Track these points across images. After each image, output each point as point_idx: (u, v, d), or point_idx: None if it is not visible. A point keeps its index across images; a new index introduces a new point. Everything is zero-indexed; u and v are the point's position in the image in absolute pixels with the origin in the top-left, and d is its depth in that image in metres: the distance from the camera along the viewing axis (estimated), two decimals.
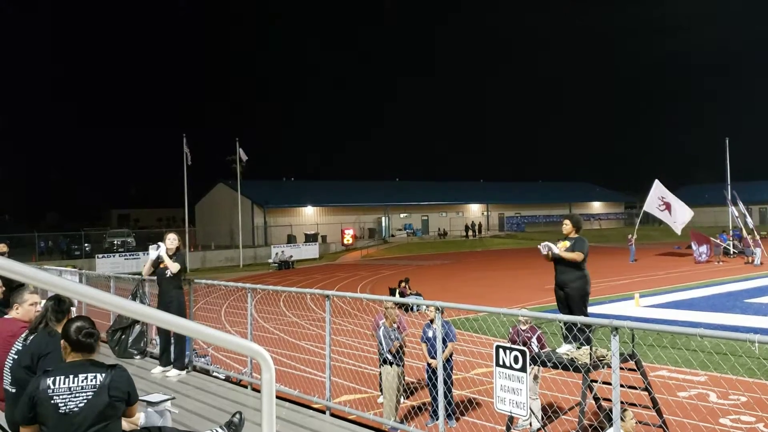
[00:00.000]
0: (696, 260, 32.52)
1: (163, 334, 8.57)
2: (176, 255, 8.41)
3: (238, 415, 5.14)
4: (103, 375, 3.54)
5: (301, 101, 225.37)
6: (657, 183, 34.35)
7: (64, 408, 3.43)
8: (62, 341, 3.65)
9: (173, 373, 8.27)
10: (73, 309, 4.48)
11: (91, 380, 3.50)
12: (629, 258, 34.45)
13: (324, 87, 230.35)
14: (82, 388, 3.47)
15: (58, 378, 3.50)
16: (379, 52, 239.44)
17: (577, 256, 7.02)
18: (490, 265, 37.00)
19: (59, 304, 4.54)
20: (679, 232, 34.75)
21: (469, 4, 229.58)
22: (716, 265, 31.39)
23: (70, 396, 3.45)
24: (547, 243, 7.23)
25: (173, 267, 8.30)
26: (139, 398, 5.07)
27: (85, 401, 3.45)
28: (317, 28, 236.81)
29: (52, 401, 3.44)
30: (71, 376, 3.50)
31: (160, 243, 8.53)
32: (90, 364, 3.59)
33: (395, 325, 8.84)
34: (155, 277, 8.60)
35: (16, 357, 4.21)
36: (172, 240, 8.44)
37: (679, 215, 34.14)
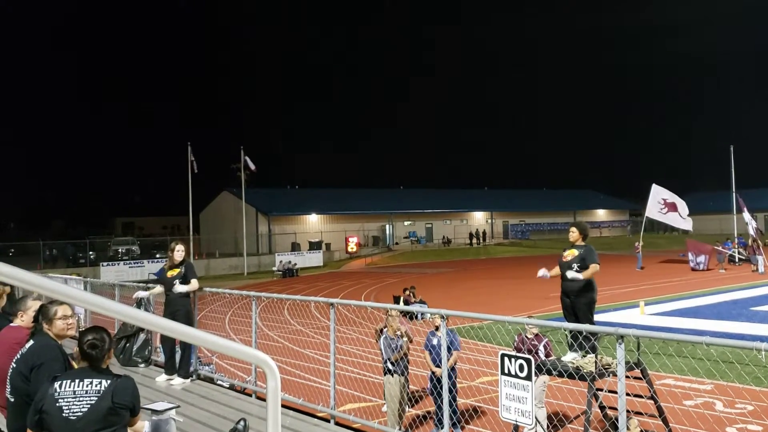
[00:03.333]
0: (691, 268, 32.35)
1: (168, 342, 8.57)
2: (183, 265, 8.42)
3: (242, 422, 5.12)
4: (108, 381, 3.56)
5: (305, 107, 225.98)
6: (655, 187, 33.94)
7: (68, 412, 3.46)
8: (75, 348, 3.69)
9: (177, 381, 8.27)
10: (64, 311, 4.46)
11: (96, 385, 3.53)
12: (636, 265, 34.28)
13: (328, 93, 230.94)
14: (86, 393, 3.50)
15: (64, 382, 3.54)
16: (381, 56, 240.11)
17: (594, 269, 6.99)
18: (494, 273, 36.93)
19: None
20: (691, 228, 34.38)
21: (468, 12, 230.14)
22: (719, 273, 31.25)
23: (74, 400, 3.48)
24: (570, 275, 7.10)
25: (192, 287, 8.32)
26: (144, 407, 5.07)
27: (88, 406, 3.47)
28: (320, 31, 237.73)
29: (57, 404, 3.47)
30: (77, 380, 3.54)
31: (163, 268, 8.59)
32: (97, 370, 3.62)
33: (398, 333, 8.81)
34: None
35: (14, 366, 4.21)
36: (180, 252, 8.46)
37: (684, 210, 33.84)
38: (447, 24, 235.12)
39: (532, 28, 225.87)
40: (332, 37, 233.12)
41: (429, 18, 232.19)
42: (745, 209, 33.88)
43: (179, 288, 8.24)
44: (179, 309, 8.22)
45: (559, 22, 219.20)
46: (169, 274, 8.38)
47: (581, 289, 7.06)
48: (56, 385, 3.52)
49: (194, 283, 8.35)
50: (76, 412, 3.46)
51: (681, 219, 33.76)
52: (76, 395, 3.49)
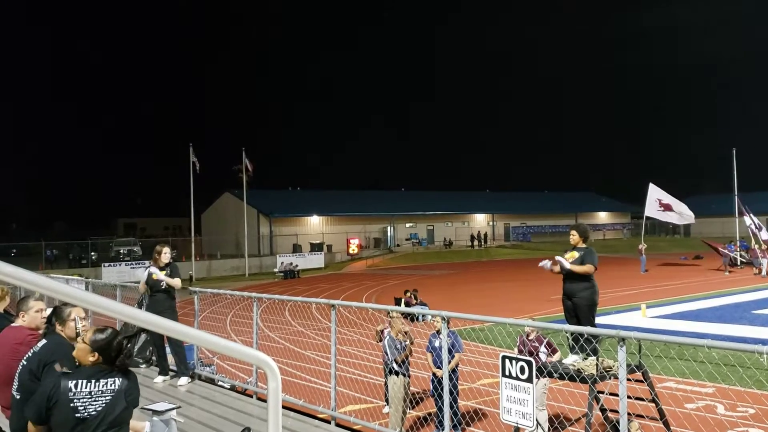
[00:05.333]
0: (723, 263, 32.76)
1: (158, 342, 8.66)
2: (168, 266, 8.53)
3: None
4: (121, 380, 3.60)
5: (307, 108, 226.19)
6: (652, 186, 34.71)
7: (84, 412, 3.46)
8: (89, 349, 3.64)
9: (183, 380, 8.29)
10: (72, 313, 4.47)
11: (110, 384, 3.56)
12: (640, 268, 34.24)
13: (330, 95, 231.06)
14: (102, 393, 3.52)
15: (79, 382, 3.53)
16: (382, 58, 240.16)
17: (588, 268, 6.99)
18: (495, 275, 36.91)
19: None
20: (692, 221, 35.71)
21: (469, 14, 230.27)
22: (724, 275, 31.25)
23: (90, 400, 3.49)
24: (556, 258, 7.17)
25: (175, 283, 8.39)
26: (145, 407, 5.08)
27: (104, 405, 3.50)
28: (322, 31, 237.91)
29: (72, 404, 3.47)
30: (93, 381, 3.54)
31: (149, 265, 8.63)
32: (108, 369, 3.63)
33: (402, 334, 8.80)
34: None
35: (25, 363, 4.22)
36: (166, 255, 8.60)
37: (684, 208, 34.81)
38: (448, 24, 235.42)
39: (533, 29, 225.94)
40: (334, 38, 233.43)
41: (429, 18, 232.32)
42: (749, 215, 34.00)
43: (160, 275, 8.35)
44: (165, 310, 8.32)
45: (560, 24, 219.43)
46: (155, 276, 8.46)
47: (582, 292, 7.05)
48: (71, 384, 3.51)
49: (177, 281, 8.50)
50: (92, 411, 3.47)
51: (677, 216, 34.61)
52: (92, 395, 3.50)
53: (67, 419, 3.46)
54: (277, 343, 15.94)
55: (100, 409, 3.48)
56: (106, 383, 3.55)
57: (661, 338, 4.66)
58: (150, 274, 8.47)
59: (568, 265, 7.01)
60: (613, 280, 27.60)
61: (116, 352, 3.64)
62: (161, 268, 8.49)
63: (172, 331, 1.65)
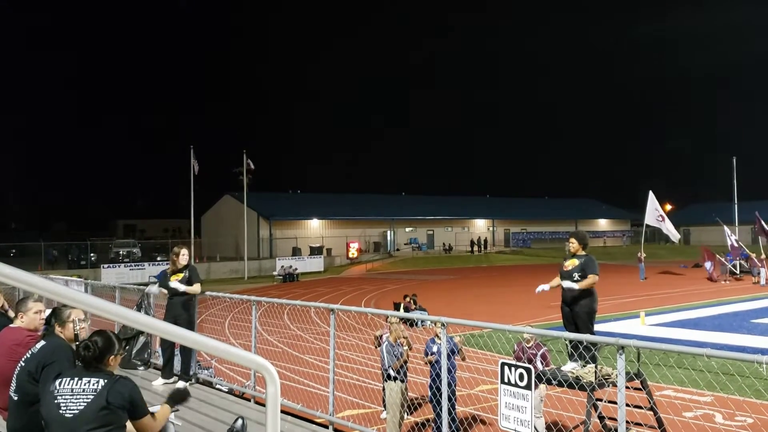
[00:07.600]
0: (708, 275, 32.95)
1: (167, 346, 8.52)
2: (187, 269, 8.32)
3: (240, 421, 5.10)
4: (106, 381, 3.58)
5: (307, 113, 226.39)
6: (651, 195, 35.05)
7: (65, 409, 3.49)
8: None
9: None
10: (73, 317, 4.47)
11: (93, 384, 3.55)
12: (639, 276, 34.25)
13: (330, 97, 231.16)
14: (83, 391, 3.52)
15: (64, 380, 3.57)
16: (383, 60, 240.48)
17: (592, 280, 6.99)
18: (495, 281, 36.88)
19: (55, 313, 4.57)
20: (677, 241, 36.07)
21: (470, 15, 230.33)
22: (723, 284, 31.24)
23: (71, 397, 3.51)
24: (545, 286, 7.23)
25: (194, 289, 8.26)
26: None
27: (84, 404, 3.49)
28: (323, 33, 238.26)
29: (55, 401, 3.51)
30: (75, 379, 3.57)
31: (152, 285, 8.55)
32: (97, 370, 3.63)
33: (400, 340, 8.78)
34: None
35: (23, 364, 4.22)
36: (184, 257, 8.32)
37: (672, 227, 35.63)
38: (448, 24, 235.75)
39: (535, 37, 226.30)
40: (334, 40, 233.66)
41: (429, 23, 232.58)
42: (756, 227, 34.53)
43: (178, 286, 8.11)
44: (181, 314, 8.10)
45: (560, 32, 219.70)
46: (173, 278, 8.22)
47: (581, 299, 7.05)
48: (56, 382, 3.56)
49: (197, 287, 8.25)
50: (73, 409, 3.48)
51: (672, 231, 35.37)
52: (73, 393, 3.52)
53: (54, 417, 3.49)
54: (276, 347, 15.91)
55: (81, 407, 3.48)
56: (89, 382, 3.54)
57: (660, 347, 4.65)
58: (165, 277, 8.34)
59: (576, 287, 7.00)
60: (612, 288, 27.58)
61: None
62: (179, 270, 8.24)
63: (169, 334, 1.64)
